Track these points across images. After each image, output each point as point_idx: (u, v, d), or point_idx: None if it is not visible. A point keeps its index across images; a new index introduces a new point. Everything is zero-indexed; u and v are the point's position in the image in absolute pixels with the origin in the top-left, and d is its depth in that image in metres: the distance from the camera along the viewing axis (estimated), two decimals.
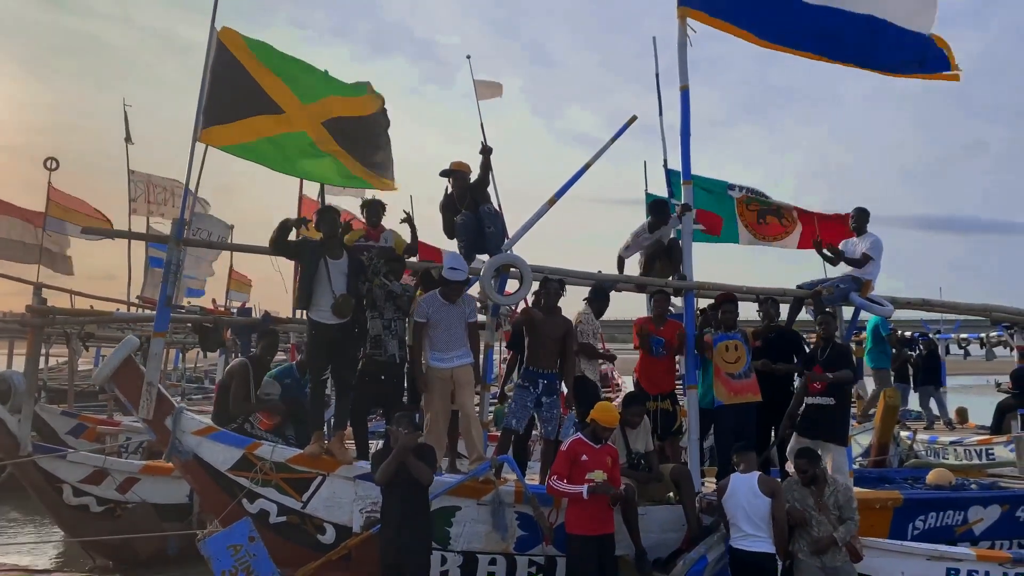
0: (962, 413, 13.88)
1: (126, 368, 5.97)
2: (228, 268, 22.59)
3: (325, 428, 6.48)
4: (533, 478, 6.92)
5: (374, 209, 7.18)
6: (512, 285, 7.23)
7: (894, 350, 13.25)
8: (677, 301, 7.90)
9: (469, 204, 7.37)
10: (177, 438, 5.97)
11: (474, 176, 7.51)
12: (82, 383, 17.01)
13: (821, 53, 7.50)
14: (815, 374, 7.18)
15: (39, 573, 8.20)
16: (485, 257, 7.14)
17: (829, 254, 8.23)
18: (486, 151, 7.64)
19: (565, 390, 7.11)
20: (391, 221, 7.28)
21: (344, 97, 7.11)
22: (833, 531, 5.79)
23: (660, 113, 10.12)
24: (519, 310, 8.74)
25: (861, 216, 8.22)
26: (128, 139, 17.93)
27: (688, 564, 6.03)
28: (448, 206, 7.55)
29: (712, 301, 7.83)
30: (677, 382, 7.86)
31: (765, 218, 9.71)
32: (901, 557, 6.18)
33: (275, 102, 6.54)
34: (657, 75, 10.22)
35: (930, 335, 15.38)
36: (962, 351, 19.85)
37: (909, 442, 12.08)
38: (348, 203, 14.07)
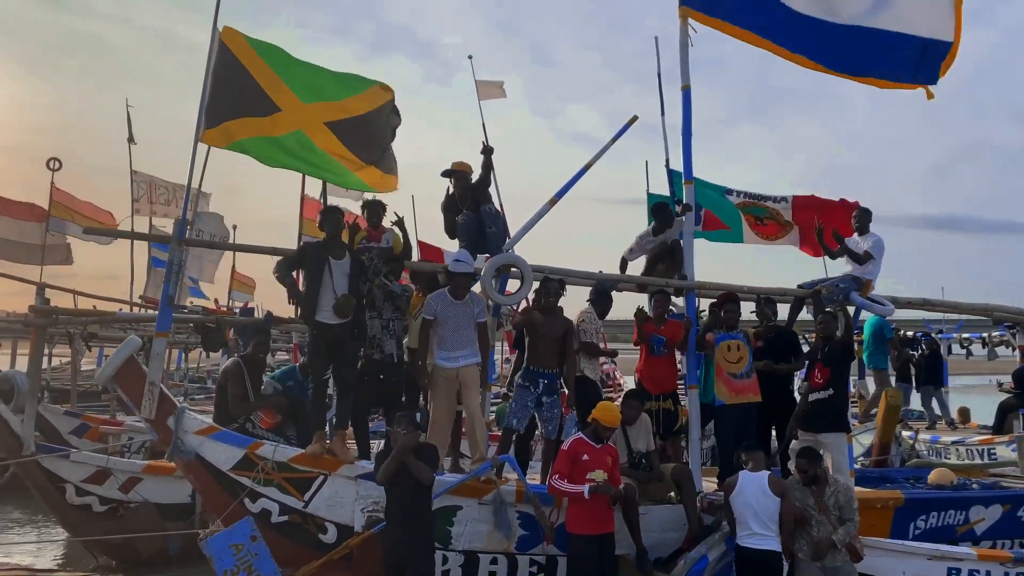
0: (964, 413, 13.85)
1: (128, 368, 5.98)
2: (231, 269, 22.66)
3: (327, 428, 6.49)
4: (534, 478, 6.92)
5: (375, 210, 7.18)
6: (513, 285, 7.24)
7: (895, 351, 13.24)
8: (678, 301, 7.91)
9: (470, 204, 7.39)
10: (179, 438, 5.97)
11: (475, 176, 7.53)
12: (85, 383, 17.04)
13: (817, 60, 7.49)
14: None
15: (42, 573, 8.20)
16: (486, 257, 7.15)
17: (833, 240, 8.17)
18: (487, 151, 7.65)
19: (566, 390, 7.11)
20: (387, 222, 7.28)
21: (352, 97, 7.05)
22: (833, 532, 5.78)
23: (662, 113, 10.11)
24: (520, 310, 8.74)
25: (863, 216, 8.25)
26: (131, 139, 17.93)
27: (689, 563, 6.03)
28: (449, 206, 7.56)
29: (714, 300, 7.84)
30: (679, 382, 7.87)
31: (763, 220, 9.75)
32: (902, 557, 6.18)
33: (273, 102, 6.53)
34: (659, 75, 10.22)
35: (932, 335, 15.37)
36: (964, 351, 19.84)
37: (911, 442, 12.05)
38: (348, 203, 14.06)
